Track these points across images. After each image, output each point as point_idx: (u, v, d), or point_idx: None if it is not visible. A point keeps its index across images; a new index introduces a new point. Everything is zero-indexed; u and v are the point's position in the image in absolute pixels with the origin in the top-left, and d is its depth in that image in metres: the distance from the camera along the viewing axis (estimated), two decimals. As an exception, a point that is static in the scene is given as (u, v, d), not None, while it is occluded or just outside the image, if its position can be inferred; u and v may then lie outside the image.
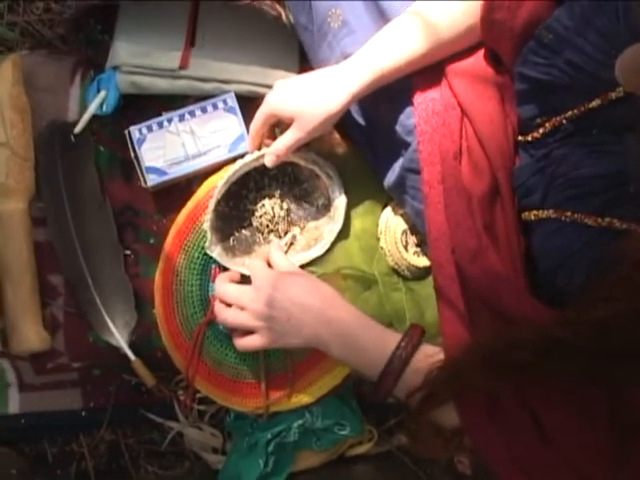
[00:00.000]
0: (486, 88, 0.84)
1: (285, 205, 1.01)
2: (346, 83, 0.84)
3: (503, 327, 0.73)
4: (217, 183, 0.96)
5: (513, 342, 0.66)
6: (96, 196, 1.05)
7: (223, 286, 0.92)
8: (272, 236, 1.01)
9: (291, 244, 1.01)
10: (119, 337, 1.02)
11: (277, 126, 0.97)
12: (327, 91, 0.85)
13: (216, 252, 0.97)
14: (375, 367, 0.79)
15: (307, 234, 1.01)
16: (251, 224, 1.01)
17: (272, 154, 0.91)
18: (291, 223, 1.02)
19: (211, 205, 0.95)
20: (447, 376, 0.72)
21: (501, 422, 0.70)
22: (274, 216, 1.00)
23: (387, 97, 0.88)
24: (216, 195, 0.95)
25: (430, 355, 0.77)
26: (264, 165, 0.94)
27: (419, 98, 0.86)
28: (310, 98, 0.85)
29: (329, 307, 0.84)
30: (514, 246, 0.81)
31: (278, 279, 0.87)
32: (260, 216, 1.00)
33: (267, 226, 1.01)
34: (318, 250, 0.99)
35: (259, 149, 0.96)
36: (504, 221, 0.81)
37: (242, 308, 0.88)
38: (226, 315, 0.90)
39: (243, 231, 1.01)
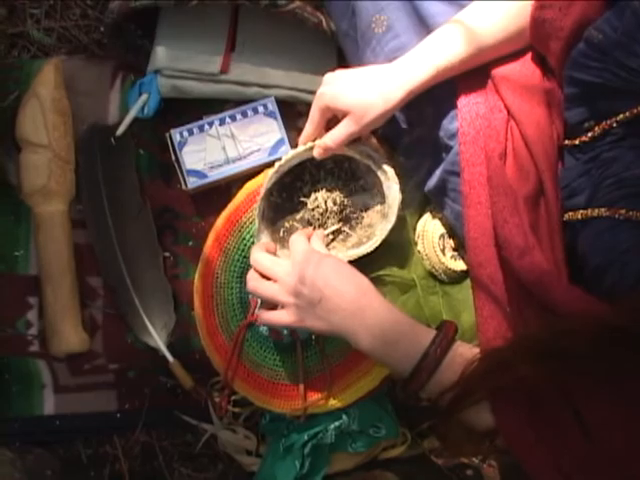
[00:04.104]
0: (533, 94, 0.85)
1: (338, 199, 0.99)
2: (404, 79, 0.84)
3: (553, 319, 0.73)
4: (268, 172, 0.94)
5: (566, 331, 0.66)
6: (136, 198, 1.06)
7: (259, 254, 0.88)
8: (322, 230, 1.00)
9: (333, 240, 1.00)
10: (157, 338, 1.03)
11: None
12: (385, 86, 0.85)
13: (263, 241, 0.95)
14: (407, 362, 0.76)
15: (360, 231, 1.01)
16: (303, 217, 1.01)
17: (320, 147, 0.90)
18: (344, 218, 1.00)
19: (262, 192, 0.94)
20: (487, 369, 0.71)
21: (540, 421, 0.69)
22: (326, 210, 0.99)
23: (431, 101, 0.90)
24: (266, 184, 0.93)
25: (463, 353, 0.75)
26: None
27: (463, 101, 0.87)
28: (367, 92, 0.85)
29: (363, 296, 0.80)
30: (557, 247, 0.81)
31: (318, 258, 0.83)
32: (312, 209, 0.99)
33: (318, 219, 0.99)
34: (368, 247, 0.96)
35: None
36: (547, 222, 0.82)
37: (275, 280, 0.85)
38: (257, 284, 0.86)
39: (295, 223, 1.01)
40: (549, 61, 0.84)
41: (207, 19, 1.06)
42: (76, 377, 1.08)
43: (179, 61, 1.04)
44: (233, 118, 1.03)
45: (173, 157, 1.03)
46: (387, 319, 0.79)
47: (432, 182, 0.94)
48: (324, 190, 0.99)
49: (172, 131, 1.03)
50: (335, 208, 0.99)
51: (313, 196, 0.99)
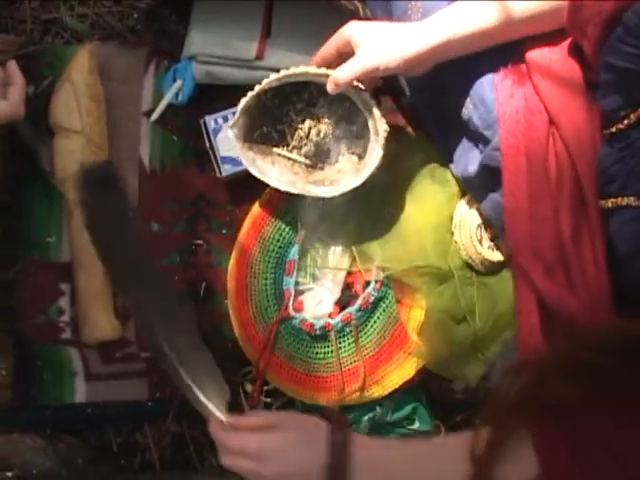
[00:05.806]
0: (574, 95, 0.82)
1: (323, 133, 0.98)
2: (426, 36, 0.83)
3: (581, 331, 0.72)
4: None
5: (594, 345, 0.65)
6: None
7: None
8: (294, 152, 0.99)
9: (303, 168, 1.00)
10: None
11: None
12: (408, 36, 0.84)
13: (235, 135, 0.94)
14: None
15: (328, 173, 0.99)
16: (283, 131, 1.00)
17: (332, 81, 0.89)
18: (319, 153, 1.00)
19: (256, 89, 0.91)
20: (525, 385, 0.68)
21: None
22: (307, 136, 0.98)
23: (468, 89, 0.88)
24: (264, 84, 0.91)
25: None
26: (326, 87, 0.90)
27: (500, 89, 0.85)
28: (389, 35, 0.85)
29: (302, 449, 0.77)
30: (599, 256, 0.79)
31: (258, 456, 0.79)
32: (295, 128, 0.98)
33: (296, 141, 0.99)
34: (325, 192, 0.96)
35: None
36: (589, 229, 0.81)
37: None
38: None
39: (273, 132, 0.99)
40: (585, 48, 0.81)
41: (242, 4, 1.05)
42: (107, 365, 1.08)
43: (214, 47, 1.03)
44: (268, 105, 1.02)
45: (207, 144, 1.02)
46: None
47: (470, 172, 0.92)
48: (315, 118, 0.98)
49: (206, 118, 1.02)
50: (315, 139, 0.98)
51: (302, 117, 0.98)
